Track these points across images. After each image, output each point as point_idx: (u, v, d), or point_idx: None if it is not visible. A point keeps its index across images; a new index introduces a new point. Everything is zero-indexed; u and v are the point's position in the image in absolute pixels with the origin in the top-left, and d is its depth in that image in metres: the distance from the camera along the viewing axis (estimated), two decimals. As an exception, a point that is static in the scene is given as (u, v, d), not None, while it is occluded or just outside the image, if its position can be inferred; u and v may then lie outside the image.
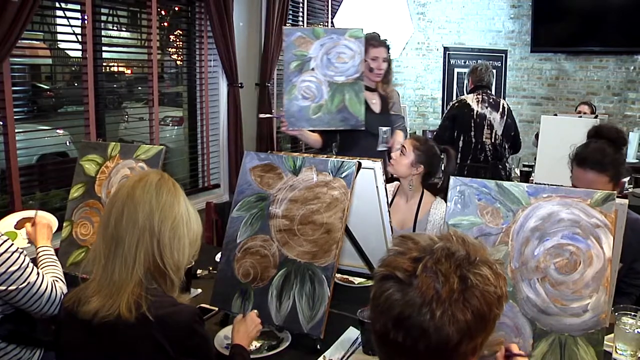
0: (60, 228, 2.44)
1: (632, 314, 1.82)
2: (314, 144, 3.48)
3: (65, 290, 1.83)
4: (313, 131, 3.32)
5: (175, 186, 1.56)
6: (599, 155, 2.29)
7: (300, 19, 5.94)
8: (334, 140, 3.56)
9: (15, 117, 3.13)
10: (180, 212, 1.52)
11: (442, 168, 4.41)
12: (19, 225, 2.32)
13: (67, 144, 4.27)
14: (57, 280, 1.84)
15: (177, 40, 4.80)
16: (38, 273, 1.76)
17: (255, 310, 1.89)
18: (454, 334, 0.94)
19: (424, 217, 2.73)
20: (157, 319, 1.41)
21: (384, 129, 3.45)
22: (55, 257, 2.03)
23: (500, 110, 4.33)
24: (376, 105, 3.55)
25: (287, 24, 5.32)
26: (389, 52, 3.54)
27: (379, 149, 3.42)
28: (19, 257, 1.71)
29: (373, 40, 3.47)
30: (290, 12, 5.54)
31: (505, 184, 1.72)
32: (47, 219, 2.41)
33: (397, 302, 0.96)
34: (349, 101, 3.07)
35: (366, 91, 3.46)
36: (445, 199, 1.86)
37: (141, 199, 1.48)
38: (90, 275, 1.51)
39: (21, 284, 1.70)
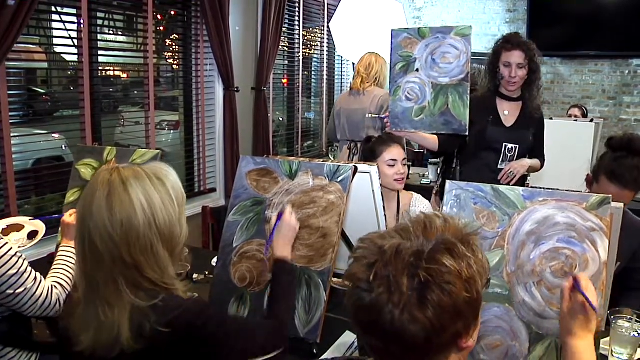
0: (49, 234, 2.45)
1: (628, 317, 1.82)
2: (429, 146, 3.28)
3: (63, 296, 1.83)
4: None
5: (127, 185, 1.35)
6: (636, 173, 2.29)
7: (297, 23, 5.94)
8: (455, 147, 3.33)
9: (10, 121, 3.12)
10: (139, 222, 1.33)
11: (438, 172, 4.43)
12: (5, 232, 2.33)
13: (63, 148, 4.27)
14: (56, 286, 1.84)
15: (173, 44, 4.81)
16: (35, 278, 1.77)
17: (289, 208, 1.87)
18: (418, 332, 0.93)
19: (406, 215, 2.74)
20: (169, 332, 1.32)
21: (510, 146, 3.21)
22: (69, 260, 2.00)
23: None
24: (509, 118, 3.27)
25: (282, 29, 5.33)
26: (530, 56, 3.14)
27: (501, 167, 3.22)
28: (17, 261, 1.72)
29: (507, 43, 3.17)
30: (286, 16, 5.54)
31: (501, 187, 1.72)
32: (36, 224, 2.43)
33: (362, 309, 0.97)
34: (452, 104, 2.84)
35: (502, 100, 3.28)
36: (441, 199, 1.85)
37: (96, 227, 1.32)
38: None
39: (18, 289, 1.72)
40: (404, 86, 2.92)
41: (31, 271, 1.77)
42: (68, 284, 1.89)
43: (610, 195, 1.62)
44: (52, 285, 1.83)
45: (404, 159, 2.78)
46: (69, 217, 2.15)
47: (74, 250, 2.02)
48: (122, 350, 1.31)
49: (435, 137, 3.17)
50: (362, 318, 0.98)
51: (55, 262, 1.99)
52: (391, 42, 2.97)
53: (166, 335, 1.32)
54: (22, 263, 1.74)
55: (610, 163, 2.33)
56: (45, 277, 1.86)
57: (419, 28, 2.92)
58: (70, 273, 1.95)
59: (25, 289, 1.73)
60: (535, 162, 3.29)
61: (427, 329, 0.93)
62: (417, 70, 2.89)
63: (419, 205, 2.80)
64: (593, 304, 1.30)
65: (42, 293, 1.77)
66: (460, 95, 2.82)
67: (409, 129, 2.94)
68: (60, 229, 2.20)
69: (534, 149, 3.34)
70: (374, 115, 3.93)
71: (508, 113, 3.27)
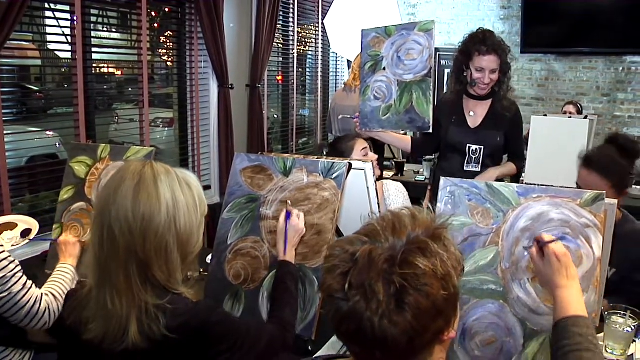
0: (41, 232, 2.45)
1: (622, 312, 1.83)
2: (401, 147, 3.23)
3: (54, 306, 1.73)
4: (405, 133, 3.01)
5: (157, 180, 1.37)
6: (606, 160, 2.32)
7: (291, 20, 5.93)
8: (429, 148, 3.29)
9: (4, 118, 3.10)
10: (161, 219, 1.34)
11: (432, 168, 4.44)
12: None
13: (57, 145, 4.26)
14: (47, 294, 1.74)
15: (168, 41, 4.79)
16: (24, 285, 1.68)
17: (297, 211, 1.89)
18: (399, 336, 0.93)
19: (382, 203, 2.72)
20: (178, 337, 1.34)
21: (474, 147, 3.09)
22: (65, 276, 1.91)
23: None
24: (475, 118, 3.14)
25: (277, 26, 5.32)
26: (504, 59, 2.99)
27: (467, 168, 3.10)
28: (8, 265, 1.65)
29: (480, 45, 2.97)
30: (281, 13, 5.53)
31: (496, 184, 1.73)
32: (29, 222, 2.42)
33: (342, 319, 0.96)
34: (416, 101, 2.81)
35: (469, 99, 3.17)
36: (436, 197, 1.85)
37: (117, 215, 1.33)
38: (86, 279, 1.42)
39: (1, 293, 1.63)
40: (372, 85, 2.94)
41: (20, 277, 1.68)
42: (61, 295, 1.78)
43: (604, 192, 1.62)
44: (42, 294, 1.72)
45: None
46: (65, 236, 2.11)
47: (72, 269, 1.98)
48: (130, 347, 1.32)
49: (408, 138, 3.16)
50: (343, 328, 0.97)
51: (50, 277, 1.89)
52: (361, 42, 2.97)
53: (175, 340, 1.33)
54: (12, 267, 1.66)
55: (589, 151, 2.40)
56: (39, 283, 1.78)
57: (386, 26, 2.91)
58: (65, 287, 1.84)
59: (10, 293, 1.64)
60: (505, 169, 3.18)
61: (408, 332, 0.93)
62: (384, 68, 2.90)
63: (391, 189, 2.80)
64: (554, 247, 1.40)
65: (28, 300, 1.67)
66: (424, 92, 2.79)
67: (377, 129, 2.94)
68: (57, 250, 2.11)
69: (511, 149, 3.24)
70: (346, 117, 3.95)
71: (474, 114, 3.16)
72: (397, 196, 2.76)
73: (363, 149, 2.75)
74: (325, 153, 2.79)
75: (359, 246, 0.98)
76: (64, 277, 1.90)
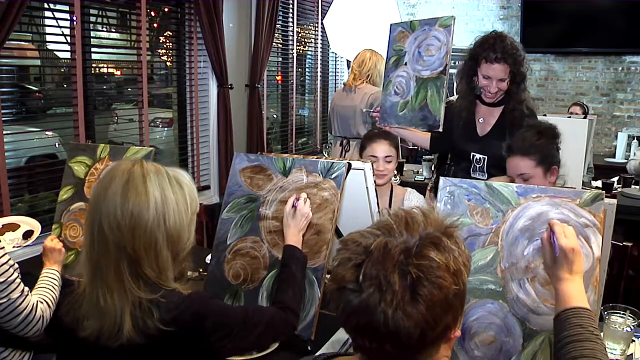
0: (43, 232, 2.44)
1: (621, 312, 1.83)
2: (420, 144, 3.20)
3: (47, 313, 1.73)
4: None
5: (146, 178, 1.39)
6: (519, 141, 2.43)
7: (290, 20, 5.93)
8: (443, 147, 3.15)
9: (3, 118, 3.10)
10: (149, 217, 1.36)
11: (432, 168, 4.44)
12: (0, 232, 2.32)
13: (56, 145, 4.26)
14: (42, 301, 1.74)
15: (167, 41, 4.79)
16: (22, 292, 1.68)
17: (304, 195, 1.90)
18: (412, 329, 0.93)
19: (384, 211, 2.68)
20: (174, 330, 1.35)
21: (478, 156, 2.95)
22: (54, 282, 1.90)
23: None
24: (484, 126, 2.99)
25: (276, 25, 5.32)
26: (515, 69, 2.79)
27: (474, 176, 2.96)
28: (7, 269, 1.65)
29: (489, 52, 2.77)
30: (280, 13, 5.53)
31: (495, 184, 1.72)
32: (32, 224, 2.42)
33: (353, 312, 0.97)
34: (430, 98, 2.74)
35: (480, 104, 3.01)
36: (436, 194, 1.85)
37: (107, 212, 1.34)
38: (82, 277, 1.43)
39: (1, 299, 1.63)
40: (393, 80, 2.91)
41: (19, 284, 1.68)
42: (53, 302, 1.79)
43: (603, 192, 1.62)
44: (37, 301, 1.73)
45: (387, 156, 2.71)
46: (51, 241, 2.08)
47: (58, 274, 1.96)
48: (125, 342, 1.33)
49: (427, 134, 3.07)
50: (354, 321, 0.98)
51: (39, 282, 1.88)
52: (388, 36, 2.96)
53: (170, 333, 1.35)
54: (12, 273, 1.66)
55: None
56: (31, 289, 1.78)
57: (411, 21, 2.89)
58: (54, 293, 1.84)
59: (9, 299, 1.64)
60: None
61: (420, 325, 0.94)
62: (406, 63, 2.87)
63: (413, 200, 2.78)
64: (561, 243, 1.33)
65: (25, 307, 1.67)
66: (438, 89, 2.74)
67: (395, 125, 2.91)
68: (43, 255, 2.07)
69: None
70: (369, 110, 3.93)
71: (484, 121, 3.01)
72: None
73: (371, 155, 2.70)
74: (325, 154, 2.77)
75: (372, 239, 0.99)
76: (53, 283, 1.89)
